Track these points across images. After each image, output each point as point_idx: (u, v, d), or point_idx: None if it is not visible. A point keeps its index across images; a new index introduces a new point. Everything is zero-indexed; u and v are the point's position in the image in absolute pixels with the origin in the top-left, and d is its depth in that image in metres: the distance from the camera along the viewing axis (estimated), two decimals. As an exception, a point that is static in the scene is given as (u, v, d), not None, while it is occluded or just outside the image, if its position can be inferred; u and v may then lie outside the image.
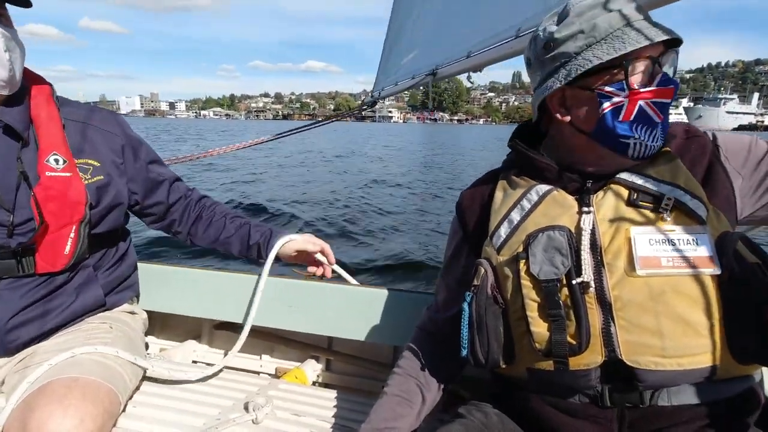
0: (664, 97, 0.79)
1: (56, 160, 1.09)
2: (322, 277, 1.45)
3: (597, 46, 0.78)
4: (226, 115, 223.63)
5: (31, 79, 1.14)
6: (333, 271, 1.44)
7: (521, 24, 1.64)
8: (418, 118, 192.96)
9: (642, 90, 0.78)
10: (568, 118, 0.86)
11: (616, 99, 0.79)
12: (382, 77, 3.43)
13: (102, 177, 1.16)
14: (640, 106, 0.79)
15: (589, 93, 0.81)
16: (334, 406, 1.26)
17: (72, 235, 1.09)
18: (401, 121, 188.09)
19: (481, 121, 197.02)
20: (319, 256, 1.40)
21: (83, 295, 1.18)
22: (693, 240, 0.75)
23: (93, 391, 0.99)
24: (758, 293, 0.72)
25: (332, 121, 3.42)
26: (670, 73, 0.80)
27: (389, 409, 0.95)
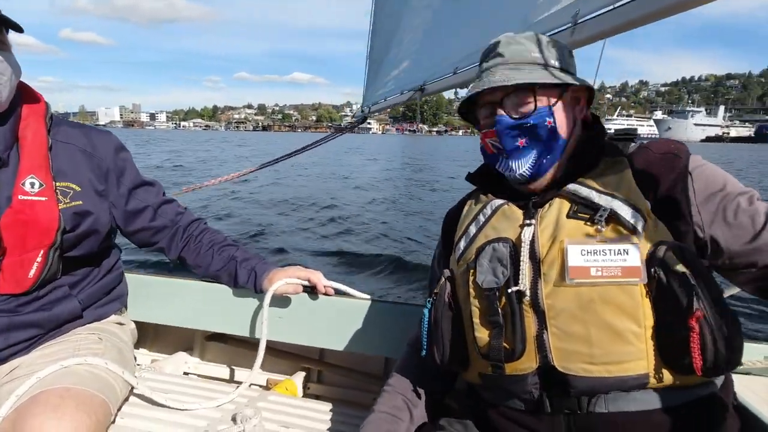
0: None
1: (32, 184, 1.08)
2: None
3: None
4: (206, 126, 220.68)
5: (25, 97, 1.14)
6: (335, 289, 1.43)
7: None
8: (397, 129, 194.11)
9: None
10: None
11: None
12: (370, 92, 3.27)
13: (81, 202, 1.15)
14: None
15: None
16: (324, 418, 1.26)
17: (39, 259, 1.07)
18: (380, 132, 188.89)
19: (461, 132, 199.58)
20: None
21: (57, 309, 1.16)
22: (623, 250, 0.77)
23: (86, 402, 0.98)
24: (681, 303, 0.72)
25: (319, 144, 3.19)
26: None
27: (377, 426, 0.97)
